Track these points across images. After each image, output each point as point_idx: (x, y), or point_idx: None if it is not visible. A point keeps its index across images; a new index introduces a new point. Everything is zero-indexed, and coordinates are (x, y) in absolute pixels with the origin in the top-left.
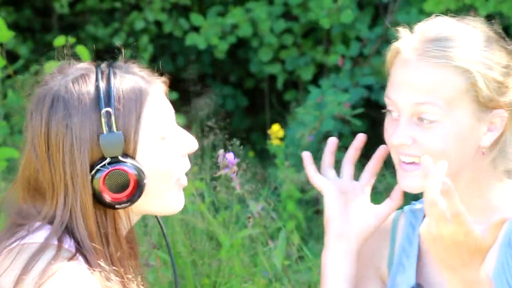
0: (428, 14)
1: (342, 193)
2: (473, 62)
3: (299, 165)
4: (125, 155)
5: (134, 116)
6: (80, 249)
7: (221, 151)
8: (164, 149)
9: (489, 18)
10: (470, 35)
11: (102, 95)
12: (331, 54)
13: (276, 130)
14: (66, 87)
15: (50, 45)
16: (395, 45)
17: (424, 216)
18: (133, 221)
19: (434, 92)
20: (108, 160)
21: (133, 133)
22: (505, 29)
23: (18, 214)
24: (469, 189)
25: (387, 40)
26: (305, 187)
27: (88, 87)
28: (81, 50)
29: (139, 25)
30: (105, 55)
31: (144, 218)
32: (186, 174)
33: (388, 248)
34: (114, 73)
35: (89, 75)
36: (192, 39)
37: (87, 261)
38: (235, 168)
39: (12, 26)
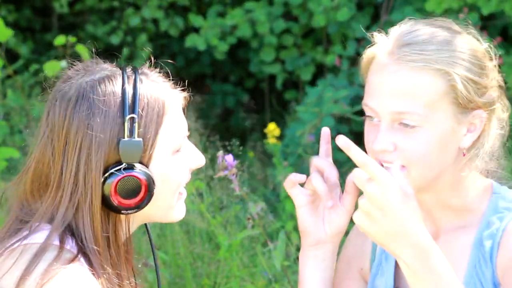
0: (424, 14)
1: (314, 200)
2: (451, 64)
3: (298, 165)
4: (140, 163)
5: (154, 126)
6: (82, 249)
7: (220, 153)
8: (176, 162)
9: (490, 17)
10: (446, 37)
11: (127, 100)
12: (330, 54)
13: (272, 129)
14: (92, 86)
15: (50, 44)
16: (370, 50)
17: None
18: (132, 228)
19: (414, 97)
20: (124, 165)
21: (150, 143)
22: (506, 28)
23: (21, 209)
24: (450, 191)
25: None
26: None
27: (114, 89)
28: (81, 49)
29: (135, 21)
30: (104, 54)
31: None
32: None
33: (370, 246)
34: (141, 80)
35: (115, 77)
36: (192, 40)
37: (89, 262)
38: (234, 170)
39: (12, 25)
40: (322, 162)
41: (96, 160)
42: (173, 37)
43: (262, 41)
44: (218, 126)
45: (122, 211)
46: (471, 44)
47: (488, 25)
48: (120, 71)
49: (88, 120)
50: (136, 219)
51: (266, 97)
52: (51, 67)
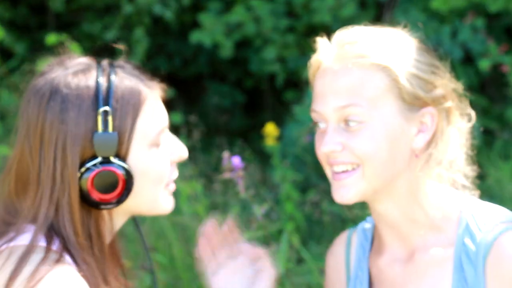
0: (428, 13)
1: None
2: (393, 58)
3: (297, 165)
4: (117, 156)
5: (130, 118)
6: (66, 247)
7: (226, 154)
8: (155, 155)
9: (496, 16)
10: (389, 36)
11: (101, 93)
12: None
13: (270, 129)
14: (65, 80)
15: (46, 43)
16: (314, 58)
17: (372, 237)
18: (117, 224)
19: (356, 93)
20: (99, 159)
21: (127, 135)
22: (511, 28)
23: (5, 210)
24: (408, 200)
25: None
26: (304, 187)
27: (88, 83)
28: (74, 47)
29: (128, 9)
30: (101, 52)
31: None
32: (184, 177)
33: (344, 274)
34: (115, 72)
35: (89, 71)
36: (197, 37)
37: (73, 259)
38: (241, 172)
39: (8, 24)
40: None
41: (71, 155)
42: (171, 36)
43: (265, 39)
44: (216, 126)
45: (101, 206)
46: (416, 46)
47: (493, 24)
48: (95, 65)
49: (61, 115)
50: (121, 214)
51: (266, 97)
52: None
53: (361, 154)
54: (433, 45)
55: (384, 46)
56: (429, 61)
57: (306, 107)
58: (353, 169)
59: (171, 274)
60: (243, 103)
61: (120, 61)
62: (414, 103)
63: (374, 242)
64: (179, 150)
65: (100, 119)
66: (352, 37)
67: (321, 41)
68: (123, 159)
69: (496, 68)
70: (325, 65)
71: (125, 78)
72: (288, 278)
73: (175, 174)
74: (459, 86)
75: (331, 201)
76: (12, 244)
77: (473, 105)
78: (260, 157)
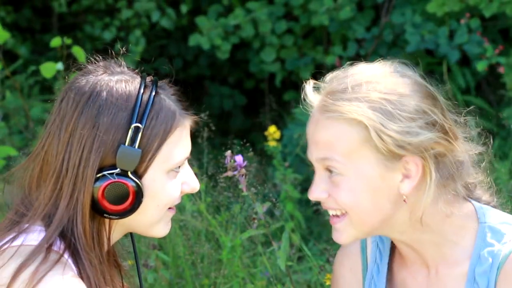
0: (424, 16)
1: None
2: (366, 114)
3: (297, 165)
4: (134, 172)
5: (158, 140)
6: (70, 248)
7: (228, 152)
8: (170, 181)
9: (492, 19)
10: (374, 83)
11: (138, 108)
12: (329, 54)
13: (273, 131)
14: (108, 86)
15: (49, 45)
16: (309, 98)
17: (391, 244)
18: (114, 236)
19: (332, 147)
20: (118, 170)
21: (150, 155)
22: (507, 31)
23: (21, 201)
24: (414, 226)
25: (382, 40)
26: (304, 186)
27: (128, 94)
28: (77, 50)
29: (127, 14)
30: (102, 54)
31: None
32: None
33: (361, 273)
34: (157, 92)
35: (133, 83)
36: (195, 40)
37: (75, 261)
38: (243, 171)
39: (12, 26)
40: None
41: (93, 159)
42: (171, 40)
43: (264, 41)
44: (216, 126)
45: (105, 215)
46: (408, 87)
47: (489, 26)
48: (140, 79)
49: (96, 118)
50: (119, 228)
51: (266, 98)
52: (47, 69)
53: (343, 205)
54: (430, 47)
55: (363, 98)
56: (415, 107)
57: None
58: (342, 214)
59: (174, 272)
60: (243, 104)
61: (163, 83)
62: (392, 155)
63: (392, 248)
64: (192, 182)
65: (130, 133)
66: (334, 84)
67: (308, 86)
68: (139, 176)
69: (493, 69)
70: (312, 111)
71: (164, 100)
72: (289, 276)
73: (179, 201)
74: (460, 116)
75: None
76: (18, 243)
77: (469, 106)
78: (261, 157)
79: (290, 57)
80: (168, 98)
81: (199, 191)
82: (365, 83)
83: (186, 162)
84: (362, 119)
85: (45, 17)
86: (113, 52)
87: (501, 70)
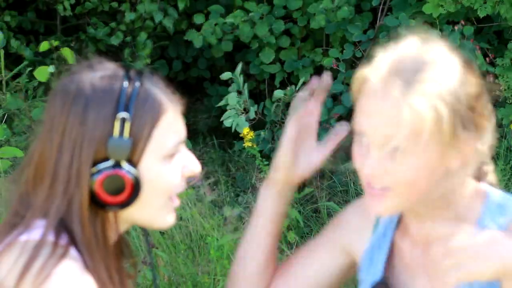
0: (418, 19)
1: (301, 137)
2: (440, 96)
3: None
4: (129, 161)
5: (148, 127)
6: (73, 242)
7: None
8: (168, 167)
9: (487, 21)
10: (442, 64)
11: (123, 99)
12: (327, 56)
13: (245, 132)
14: (91, 82)
15: (54, 48)
16: (364, 72)
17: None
18: (122, 228)
19: (403, 125)
20: (111, 162)
21: (142, 143)
22: (501, 32)
23: (20, 202)
24: (439, 203)
25: (378, 43)
26: (301, 185)
27: (112, 87)
28: (66, 52)
29: (131, 16)
30: (105, 56)
31: None
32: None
33: (370, 231)
34: (141, 81)
35: (116, 76)
36: (191, 36)
37: (80, 254)
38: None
39: (16, 28)
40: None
41: (86, 155)
42: (171, 42)
43: (262, 42)
44: (216, 127)
45: (106, 207)
46: (467, 71)
47: (484, 28)
48: (123, 71)
49: (82, 116)
50: (122, 222)
51: (266, 99)
52: (41, 72)
53: (400, 182)
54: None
55: (435, 80)
56: (474, 92)
57: None
58: (385, 188)
59: (174, 270)
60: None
61: (147, 72)
62: (456, 137)
63: (400, 218)
64: (192, 165)
65: (117, 124)
66: (404, 64)
67: (375, 57)
68: (134, 165)
69: (484, 75)
70: (375, 86)
71: (149, 88)
72: None
73: (182, 188)
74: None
75: (328, 198)
76: (23, 238)
77: None
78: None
79: (289, 58)
80: (154, 86)
81: (199, 191)
82: (438, 65)
83: (184, 146)
84: (436, 102)
85: (48, 20)
86: (121, 57)
87: (490, 79)
